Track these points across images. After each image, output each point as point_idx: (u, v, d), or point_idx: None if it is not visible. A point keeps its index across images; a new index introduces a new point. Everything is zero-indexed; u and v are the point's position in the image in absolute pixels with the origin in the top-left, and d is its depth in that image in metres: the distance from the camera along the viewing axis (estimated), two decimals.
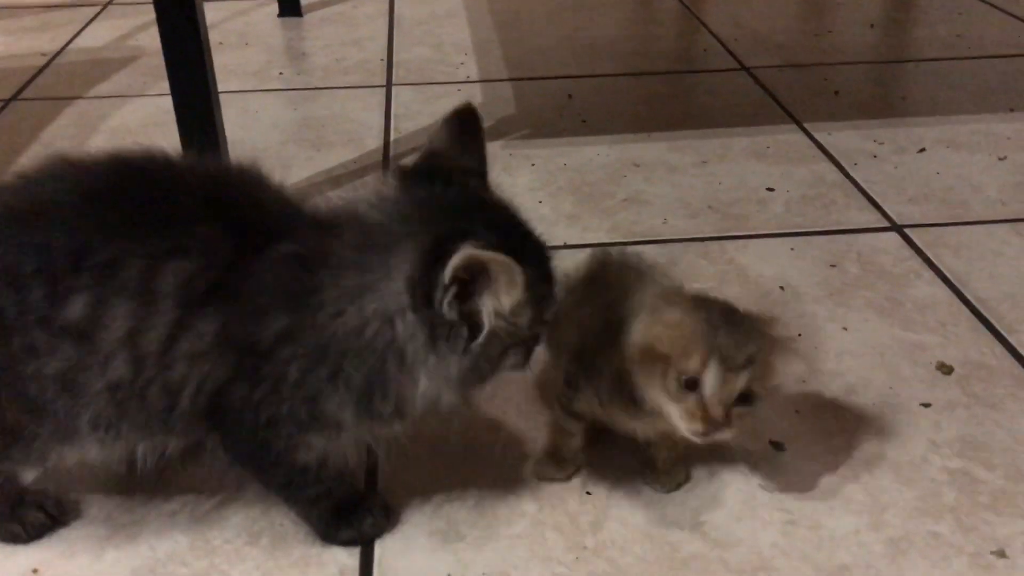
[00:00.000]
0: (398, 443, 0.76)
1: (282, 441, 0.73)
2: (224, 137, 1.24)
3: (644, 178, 1.39)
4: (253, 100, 1.66)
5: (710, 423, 0.69)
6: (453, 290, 0.66)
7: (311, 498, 0.78)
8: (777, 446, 0.89)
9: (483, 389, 0.75)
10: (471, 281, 0.66)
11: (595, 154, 1.46)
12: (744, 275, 1.15)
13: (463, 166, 0.74)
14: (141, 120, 1.58)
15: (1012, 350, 1.01)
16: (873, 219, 1.27)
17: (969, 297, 1.10)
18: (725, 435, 0.70)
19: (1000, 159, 1.43)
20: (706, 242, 1.22)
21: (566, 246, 1.21)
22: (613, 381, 0.75)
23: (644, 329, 0.72)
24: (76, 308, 0.67)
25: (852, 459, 0.87)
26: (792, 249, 1.21)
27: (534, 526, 0.80)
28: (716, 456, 0.87)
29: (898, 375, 0.98)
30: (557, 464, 0.84)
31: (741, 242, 1.22)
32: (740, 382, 0.69)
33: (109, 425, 0.72)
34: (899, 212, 1.29)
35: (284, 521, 0.81)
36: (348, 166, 1.43)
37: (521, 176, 1.40)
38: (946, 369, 0.99)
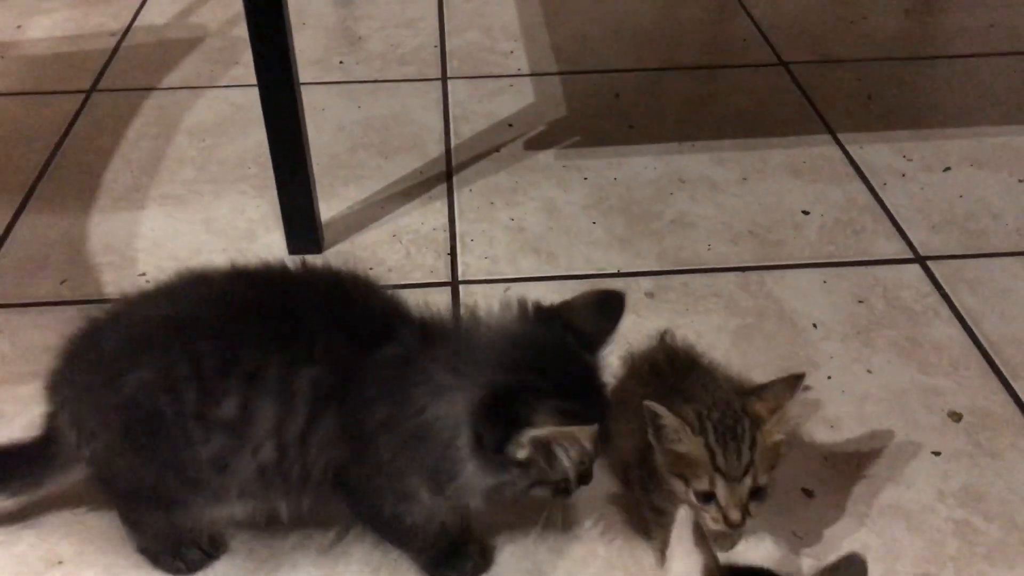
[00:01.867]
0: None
1: (388, 509, 0.88)
2: (307, 140, 1.33)
3: (689, 196, 1.51)
4: (317, 95, 1.76)
5: (730, 524, 0.85)
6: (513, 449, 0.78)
7: (420, 548, 0.94)
8: (808, 493, 1.05)
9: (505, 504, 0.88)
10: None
11: (643, 167, 1.57)
12: (780, 311, 1.29)
13: (584, 331, 0.85)
14: (217, 118, 1.69)
15: (1016, 398, 1.16)
16: (898, 249, 1.40)
17: (981, 339, 1.24)
18: (744, 527, 0.86)
19: (1020, 181, 1.54)
20: (746, 272, 1.35)
21: (620, 274, 1.35)
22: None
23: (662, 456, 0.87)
24: (229, 406, 0.82)
25: (871, 507, 1.03)
26: (824, 282, 1.34)
27: (606, 568, 0.97)
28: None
29: (914, 422, 1.13)
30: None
31: (778, 273, 1.35)
32: (745, 487, 0.84)
33: (255, 494, 0.88)
34: (922, 241, 1.41)
35: (397, 556, 0.97)
36: (416, 176, 1.55)
37: (575, 192, 1.51)
38: (956, 417, 1.14)
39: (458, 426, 0.80)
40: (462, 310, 0.89)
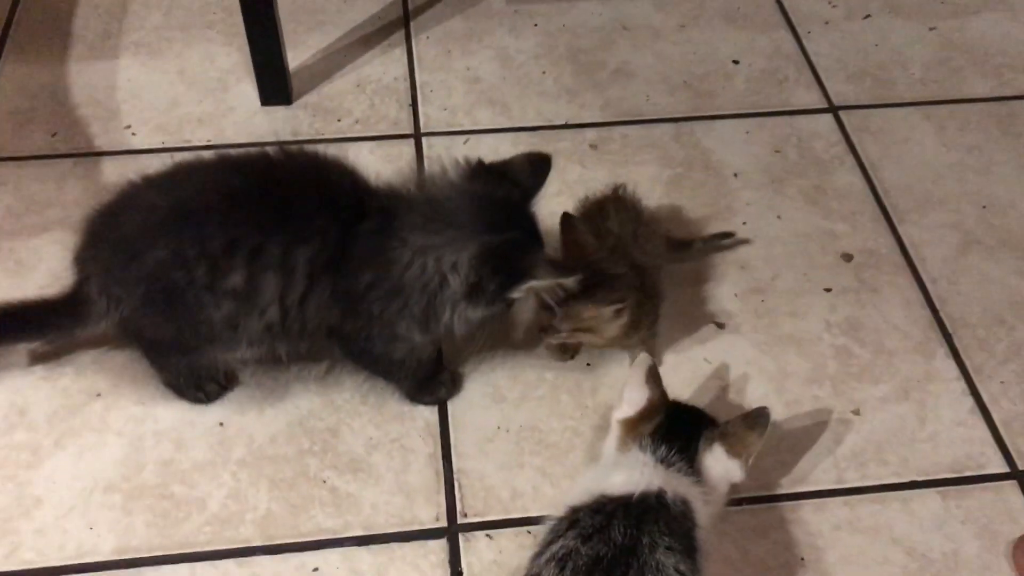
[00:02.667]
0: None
1: (378, 349, 1.08)
2: None
3: (631, 44, 1.63)
4: None
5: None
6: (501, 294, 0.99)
7: (402, 378, 1.14)
8: (719, 326, 1.26)
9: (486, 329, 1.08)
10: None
11: (589, 13, 1.68)
12: (707, 161, 1.46)
13: (522, 185, 1.03)
14: None
15: (899, 240, 1.37)
16: (816, 99, 1.56)
17: (877, 186, 1.44)
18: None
19: (931, 29, 1.68)
20: (679, 123, 1.51)
21: (567, 126, 1.50)
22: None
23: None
24: (236, 279, 0.99)
25: (770, 336, 1.25)
26: (747, 132, 1.50)
27: (552, 390, 1.19)
28: (677, 340, 1.24)
29: (812, 263, 1.34)
30: (560, 353, 1.21)
31: (708, 124, 1.51)
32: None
33: (262, 343, 1.06)
34: (837, 92, 1.57)
35: (384, 385, 1.18)
36: (375, 22, 1.64)
37: (526, 40, 1.63)
38: (847, 258, 1.35)
39: (450, 274, 0.98)
40: (415, 174, 1.05)
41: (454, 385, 1.18)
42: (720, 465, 0.93)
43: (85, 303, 1.07)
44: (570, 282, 1.00)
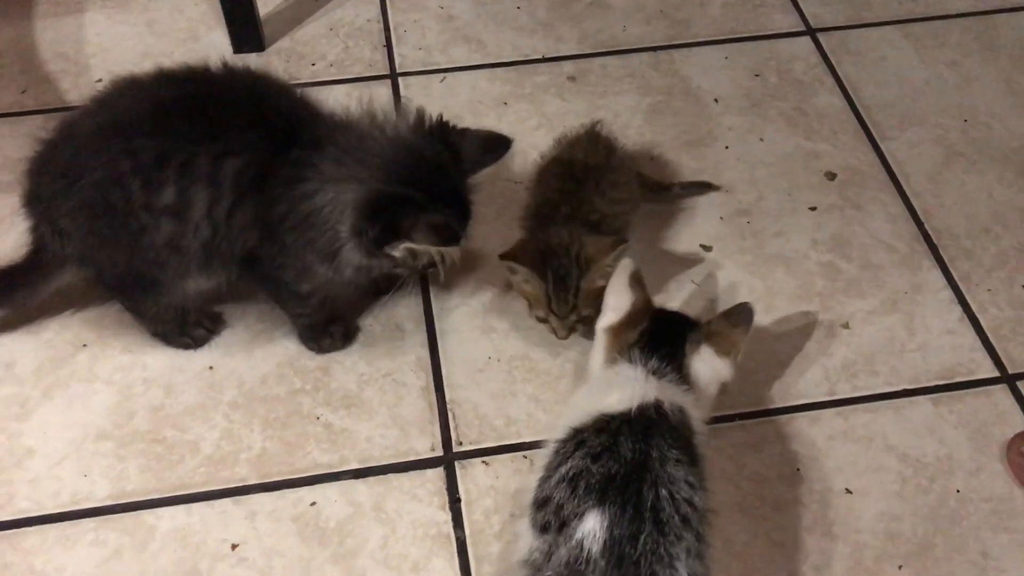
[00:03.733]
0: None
1: (288, 277, 1.05)
2: None
3: None
4: None
5: (560, 338, 1.13)
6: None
7: (301, 315, 1.12)
8: (706, 248, 1.26)
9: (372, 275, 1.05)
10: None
11: None
12: (687, 88, 1.45)
13: (466, 156, 1.00)
14: None
15: (882, 157, 1.37)
16: (793, 22, 1.55)
17: (858, 105, 1.43)
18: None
19: None
20: (657, 52, 1.50)
21: (544, 59, 1.48)
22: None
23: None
24: (168, 195, 0.98)
25: (757, 257, 1.25)
26: (726, 58, 1.49)
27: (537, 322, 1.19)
28: (664, 265, 1.24)
29: (796, 183, 1.33)
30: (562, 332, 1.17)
31: (685, 51, 1.50)
32: (570, 320, 1.10)
33: (206, 265, 1.04)
34: (814, 14, 1.56)
35: (372, 324, 1.17)
36: None
37: None
38: (831, 176, 1.34)
39: (342, 212, 0.96)
40: (366, 113, 1.01)
41: (345, 340, 1.15)
42: (709, 366, 0.93)
43: (42, 250, 1.06)
44: (452, 251, 0.98)
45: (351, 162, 0.97)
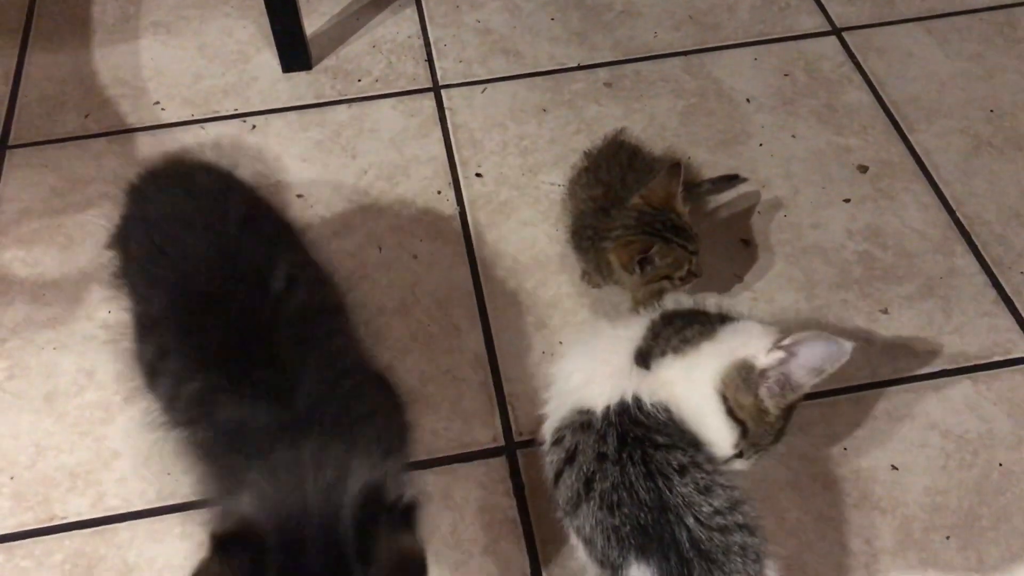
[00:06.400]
0: None
1: None
2: None
3: None
4: None
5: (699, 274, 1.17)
6: None
7: None
8: (746, 243, 1.31)
9: None
10: None
11: None
12: (719, 89, 1.50)
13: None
14: None
15: (911, 148, 1.41)
16: (818, 23, 1.60)
17: (886, 100, 1.48)
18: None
19: None
20: (688, 56, 1.55)
21: (580, 67, 1.54)
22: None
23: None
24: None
25: (796, 248, 1.30)
26: (755, 59, 1.55)
27: (591, 315, 1.24)
28: (706, 260, 1.29)
29: (829, 177, 1.38)
30: (595, 280, 1.26)
31: (716, 54, 1.56)
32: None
33: None
34: (839, 14, 1.61)
35: (430, 325, 1.23)
36: None
37: None
38: (863, 169, 1.39)
39: None
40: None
41: None
42: None
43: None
44: None
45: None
